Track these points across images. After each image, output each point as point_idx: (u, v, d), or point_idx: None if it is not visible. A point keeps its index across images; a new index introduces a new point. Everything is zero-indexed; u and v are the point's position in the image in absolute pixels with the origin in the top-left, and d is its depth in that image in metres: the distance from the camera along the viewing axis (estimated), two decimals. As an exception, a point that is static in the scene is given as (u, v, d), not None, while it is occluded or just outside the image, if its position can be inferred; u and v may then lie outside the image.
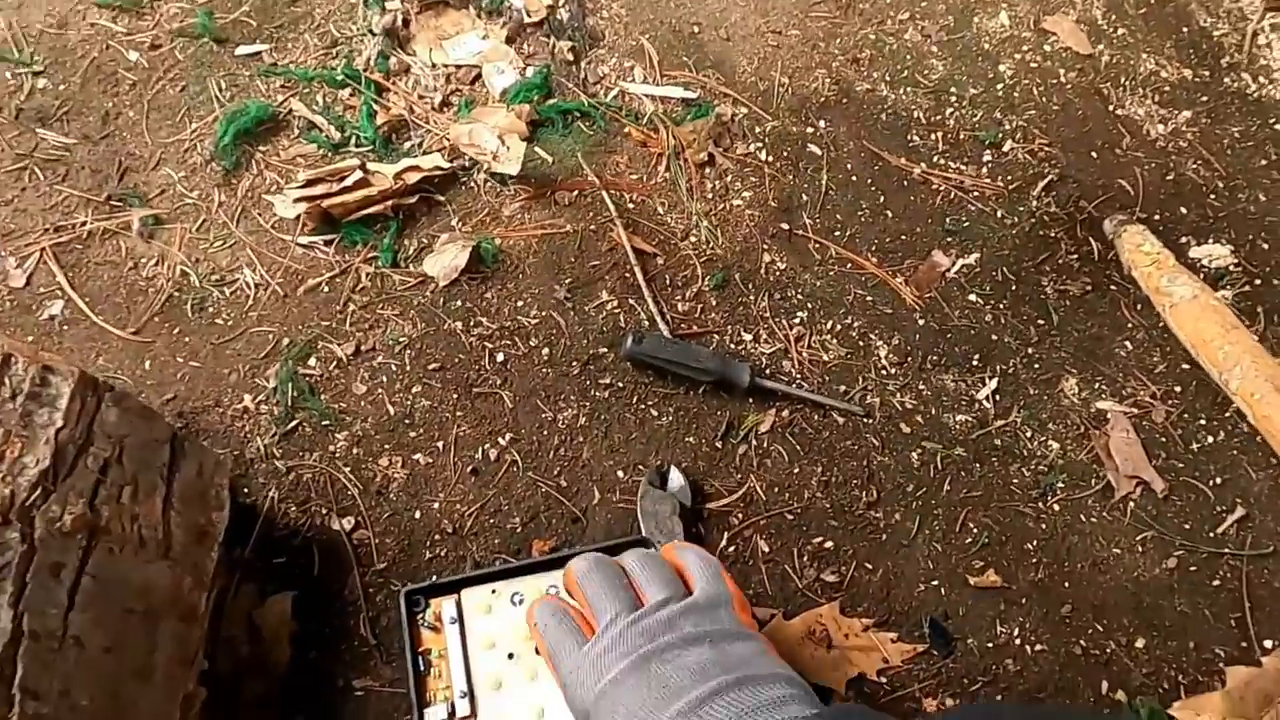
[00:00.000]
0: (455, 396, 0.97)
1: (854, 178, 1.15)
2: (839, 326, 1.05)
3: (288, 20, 1.17)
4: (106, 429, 0.75)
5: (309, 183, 1.03)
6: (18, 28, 1.14)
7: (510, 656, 0.79)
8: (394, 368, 0.98)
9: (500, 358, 1.00)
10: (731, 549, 0.92)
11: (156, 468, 0.78)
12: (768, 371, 1.01)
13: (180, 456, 0.81)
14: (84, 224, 1.03)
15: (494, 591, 0.82)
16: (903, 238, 1.12)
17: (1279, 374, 0.95)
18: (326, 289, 1.02)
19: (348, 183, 1.03)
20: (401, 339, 0.99)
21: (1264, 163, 1.22)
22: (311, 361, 0.98)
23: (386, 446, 0.94)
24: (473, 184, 1.09)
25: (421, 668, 0.79)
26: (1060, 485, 0.98)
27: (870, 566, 0.93)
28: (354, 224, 1.04)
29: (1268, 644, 0.91)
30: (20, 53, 1.12)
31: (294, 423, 0.94)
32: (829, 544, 0.94)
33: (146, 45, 1.14)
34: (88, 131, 1.09)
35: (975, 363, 1.04)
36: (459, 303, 1.02)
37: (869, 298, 1.07)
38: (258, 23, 1.17)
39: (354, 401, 0.96)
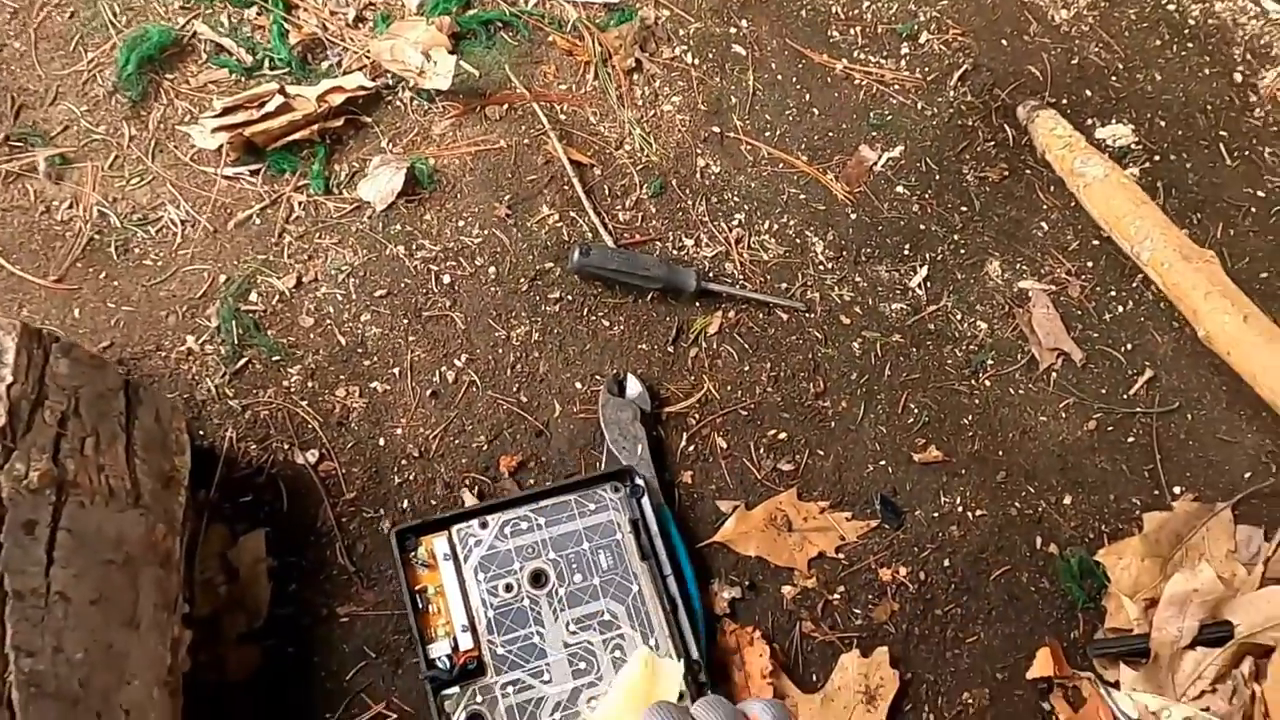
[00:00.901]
0: (406, 322, 0.97)
1: (779, 77, 1.16)
2: (776, 226, 1.08)
3: (177, -66, 1.10)
4: (59, 381, 0.72)
5: (227, 110, 0.99)
6: None
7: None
8: (339, 297, 0.97)
9: (447, 279, 0.99)
10: (691, 448, 0.96)
11: (114, 417, 0.76)
12: (711, 274, 1.04)
13: (136, 404, 0.79)
14: (-17, 168, 0.96)
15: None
16: (830, 135, 1.14)
17: (1184, 244, 1.02)
18: (258, 221, 0.98)
19: (269, 108, 0.99)
20: (344, 268, 0.98)
21: (1158, 43, 1.28)
22: (253, 297, 0.95)
23: (342, 377, 0.94)
24: (399, 103, 1.06)
25: (420, 605, 0.81)
26: (990, 362, 1.04)
27: (822, 453, 0.98)
28: (279, 151, 1.00)
29: (1176, 490, 1.01)
30: (-122, -18, 1.02)
31: (243, 361, 0.93)
32: (782, 435, 0.98)
33: (22, -32, 1.05)
34: (-30, 67, 1.01)
35: (906, 252, 1.09)
36: (399, 226, 1.00)
37: (802, 196, 1.10)
38: (144, -62, 1.09)
39: (302, 334, 0.95)
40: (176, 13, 1.06)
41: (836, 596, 0.92)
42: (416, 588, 0.82)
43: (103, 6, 1.04)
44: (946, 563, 0.95)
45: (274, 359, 0.93)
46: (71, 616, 0.66)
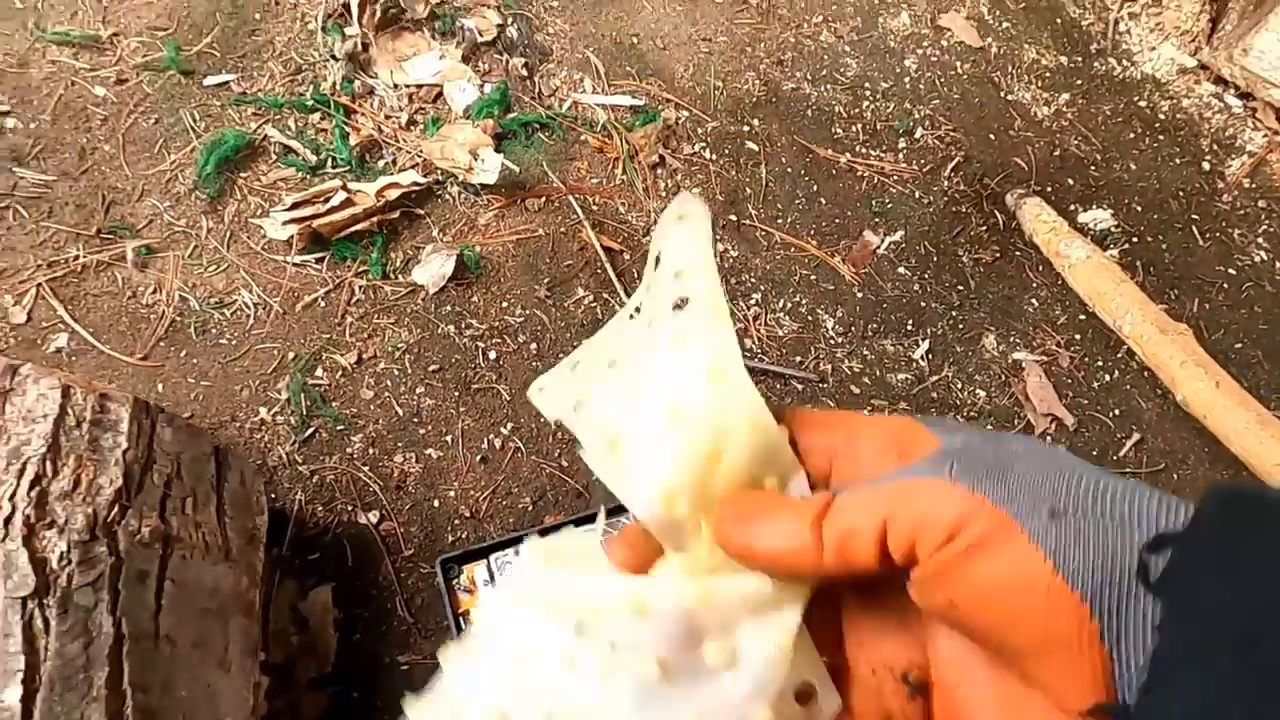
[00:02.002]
0: (456, 394, 1.06)
1: (789, 170, 1.28)
2: (789, 304, 1.18)
3: (250, 49, 1.23)
4: (164, 447, 0.81)
5: (296, 205, 1.10)
6: (-23, 69, 1.16)
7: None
8: (396, 372, 1.06)
9: (493, 355, 1.09)
10: (718, 508, 1.04)
11: (208, 479, 0.85)
12: (732, 349, 1.13)
13: (225, 468, 0.88)
14: (77, 257, 1.07)
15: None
16: (837, 221, 1.25)
17: (1161, 318, 1.13)
18: (323, 303, 1.09)
19: (333, 203, 1.10)
20: (400, 345, 1.08)
21: (1132, 135, 1.40)
22: (319, 372, 1.05)
23: (399, 444, 1.03)
24: (448, 196, 1.17)
25: (462, 627, 0.90)
26: (989, 427, 1.14)
27: (838, 512, 1.07)
28: (342, 241, 1.11)
29: (1166, 545, 1.09)
30: (-16, 93, 1.14)
31: (310, 430, 1.02)
32: (801, 496, 1.07)
33: (112, 80, 1.18)
34: (65, 168, 1.12)
35: (909, 328, 1.19)
36: (449, 308, 1.11)
37: (813, 277, 1.21)
38: (221, 53, 1.22)
39: (363, 406, 1.04)
40: (250, 118, 1.18)
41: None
42: (459, 611, 0.90)
43: (184, 114, 1.17)
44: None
45: (338, 428, 1.02)
46: (177, 658, 0.74)
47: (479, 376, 1.08)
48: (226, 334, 1.06)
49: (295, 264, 1.10)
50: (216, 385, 1.03)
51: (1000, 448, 0.25)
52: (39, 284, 1.05)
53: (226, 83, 1.20)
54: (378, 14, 1.25)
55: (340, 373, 1.06)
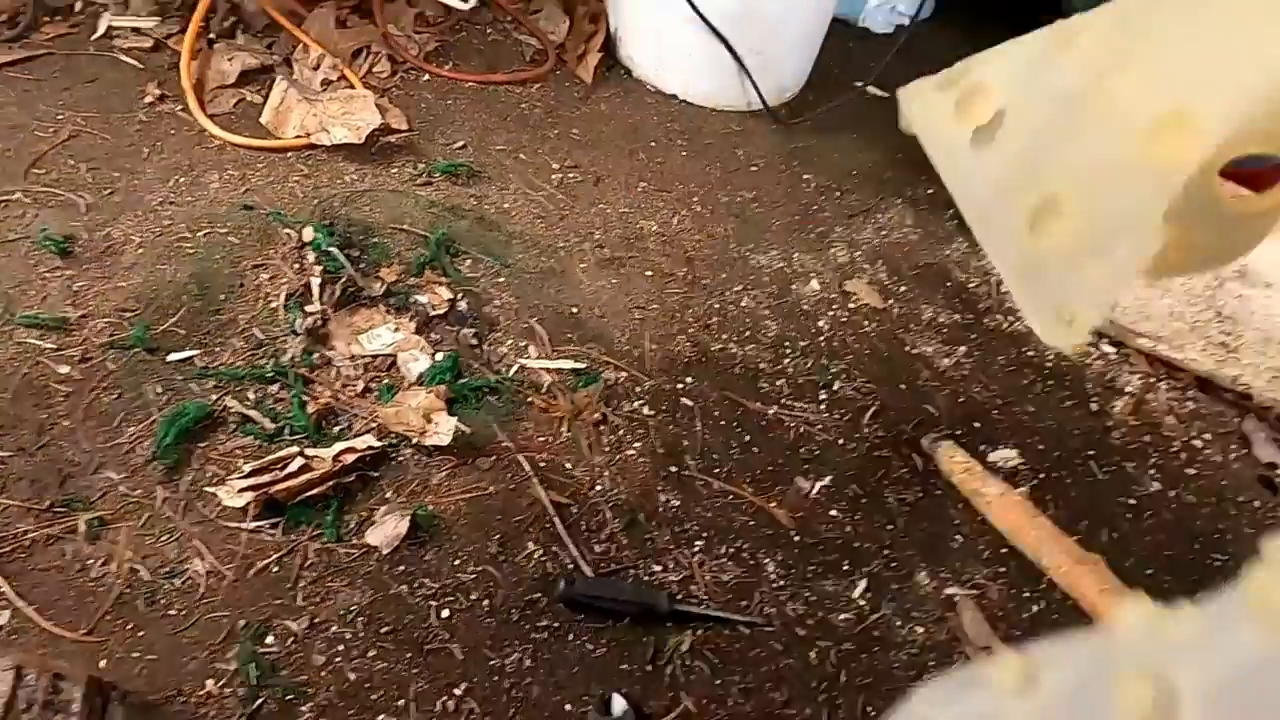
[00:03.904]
0: (409, 655, 1.06)
1: (723, 422, 1.38)
2: (732, 550, 1.24)
3: (214, 327, 1.31)
4: (114, 727, 0.80)
5: (253, 472, 1.14)
6: (-56, 352, 1.21)
7: None
8: (348, 636, 1.06)
9: (445, 613, 1.10)
10: (675, 763, 1.04)
11: (155, 760, 0.83)
12: (680, 596, 1.17)
13: (173, 747, 0.85)
14: (26, 533, 1.07)
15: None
16: (770, 469, 1.34)
17: (1074, 548, 1.21)
18: (276, 569, 1.10)
19: (290, 469, 1.14)
20: (352, 608, 1.08)
21: (1026, 381, 1.56)
22: (269, 639, 1.04)
23: (350, 712, 1.01)
24: (402, 458, 1.23)
25: None
26: (932, 664, 1.17)
27: (794, 760, 1.07)
28: (298, 506, 1.14)
29: (1116, 776, 1.11)
30: (-52, 375, 1.18)
31: (258, 701, 1.00)
32: (757, 745, 1.07)
33: (77, 359, 1.24)
34: (22, 444, 1.15)
35: (845, 568, 1.25)
36: (402, 567, 1.13)
37: (752, 522, 1.27)
38: (186, 331, 1.29)
39: (314, 673, 1.03)
40: (210, 390, 1.24)
41: None
42: None
43: (146, 389, 1.22)
44: None
45: (287, 699, 1.00)
46: None
47: (432, 636, 1.08)
48: (176, 604, 1.06)
49: (249, 530, 1.12)
50: (163, 658, 1.02)
51: None
52: (-15, 561, 1.04)
53: (190, 358, 1.27)
54: (337, 293, 1.36)
55: (291, 639, 1.05)
